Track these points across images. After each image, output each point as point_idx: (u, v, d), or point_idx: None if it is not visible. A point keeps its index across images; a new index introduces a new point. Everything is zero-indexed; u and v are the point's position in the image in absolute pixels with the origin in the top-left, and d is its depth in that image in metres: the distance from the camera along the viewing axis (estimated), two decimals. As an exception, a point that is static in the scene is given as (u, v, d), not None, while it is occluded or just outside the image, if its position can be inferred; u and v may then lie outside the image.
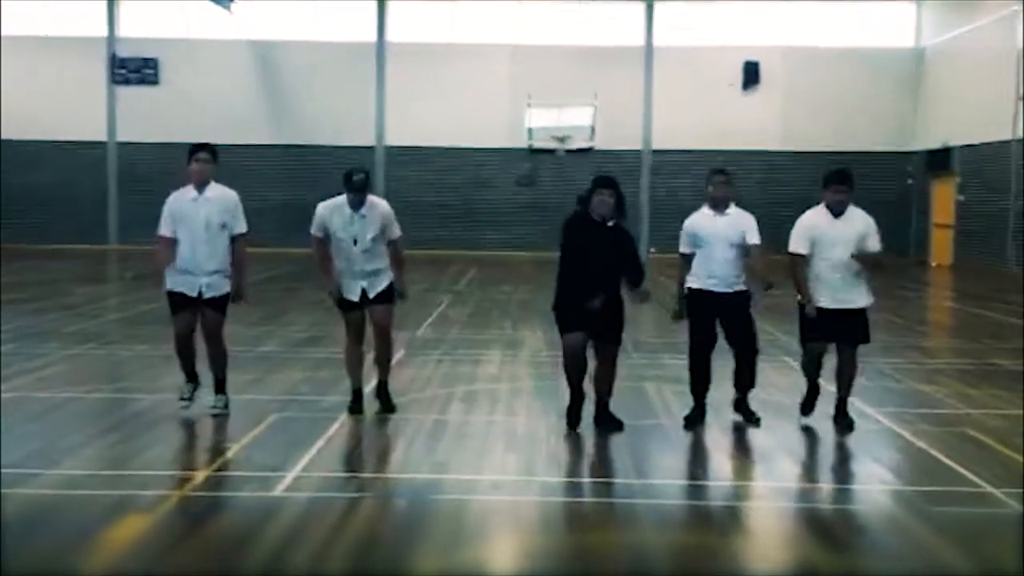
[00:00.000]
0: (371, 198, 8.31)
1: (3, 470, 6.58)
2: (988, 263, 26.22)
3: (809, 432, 8.17)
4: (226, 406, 8.35)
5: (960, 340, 14.24)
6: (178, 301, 8.26)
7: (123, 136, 31.83)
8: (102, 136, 31.91)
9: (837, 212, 7.99)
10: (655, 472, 7.10)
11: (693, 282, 8.31)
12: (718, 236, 8.17)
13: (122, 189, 31.85)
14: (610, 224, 7.98)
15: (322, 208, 8.32)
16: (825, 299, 7.98)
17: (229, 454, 7.26)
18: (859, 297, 8.03)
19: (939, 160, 28.92)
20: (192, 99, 31.06)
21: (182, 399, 8.34)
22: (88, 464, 7.00)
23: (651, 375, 10.47)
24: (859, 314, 8.04)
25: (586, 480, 7.09)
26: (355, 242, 8.21)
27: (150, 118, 31.17)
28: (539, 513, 6.17)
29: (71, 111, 31.36)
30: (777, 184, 29.52)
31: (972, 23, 27.99)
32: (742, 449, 7.73)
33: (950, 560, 5.42)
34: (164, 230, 8.31)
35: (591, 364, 8.04)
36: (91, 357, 11.54)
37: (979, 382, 10.39)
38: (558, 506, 6.32)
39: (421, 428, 8.06)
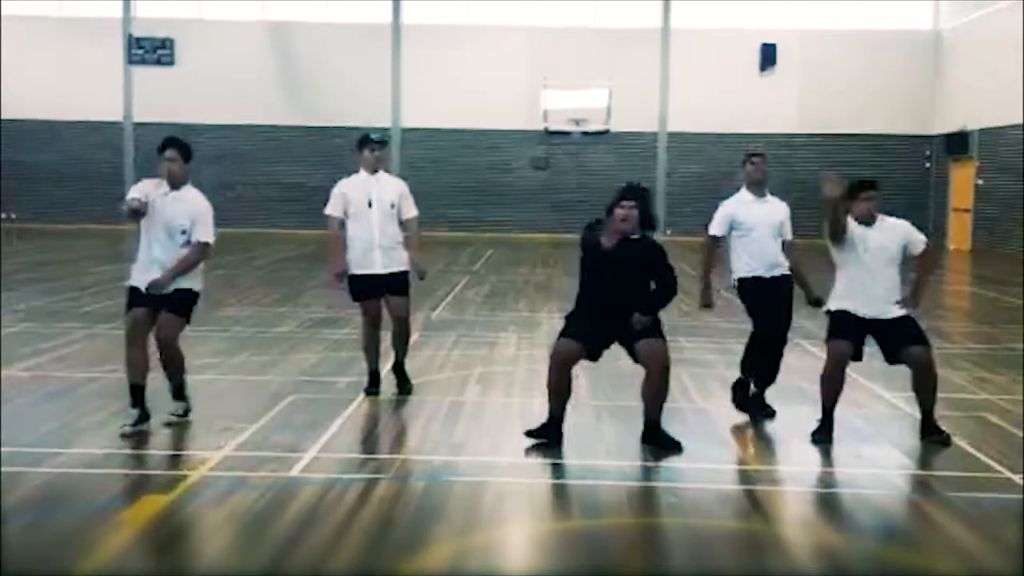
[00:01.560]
0: (386, 174, 8.51)
1: (21, 449, 6.61)
2: (1007, 247, 26.06)
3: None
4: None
5: (978, 325, 14.16)
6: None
7: (139, 117, 31.88)
8: (118, 116, 31.98)
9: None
10: (672, 456, 7.07)
11: (743, 271, 7.95)
12: (762, 223, 7.93)
13: (138, 169, 31.90)
14: (635, 237, 7.00)
15: (340, 184, 8.42)
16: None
17: (246, 435, 7.27)
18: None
19: (958, 144, 28.73)
20: (207, 80, 31.08)
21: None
22: (106, 444, 7.02)
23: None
24: None
25: (602, 463, 7.08)
26: (370, 204, 8.21)
27: (166, 99, 31.21)
28: (555, 496, 6.17)
29: (87, 91, 31.43)
30: (793, 167, 29.39)
31: (990, 6, 27.74)
32: (760, 433, 7.70)
33: (968, 545, 5.39)
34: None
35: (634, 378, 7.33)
36: (108, 337, 11.58)
37: (997, 367, 10.33)
38: (575, 489, 6.31)
39: (438, 410, 8.06)
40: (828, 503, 6.17)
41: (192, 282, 7.34)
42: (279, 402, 8.18)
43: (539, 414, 7.81)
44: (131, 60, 31.77)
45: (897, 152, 30.71)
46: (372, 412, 8.05)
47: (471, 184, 31.63)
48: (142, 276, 7.24)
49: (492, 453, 6.99)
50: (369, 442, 7.34)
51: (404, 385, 8.55)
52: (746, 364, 8.05)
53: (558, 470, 6.72)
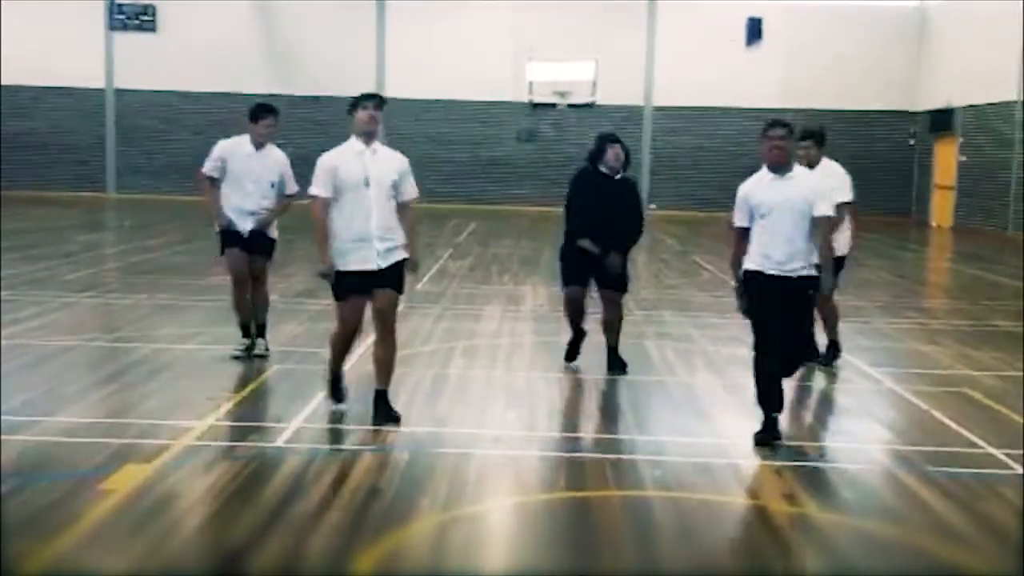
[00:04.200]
0: (383, 146, 7.08)
1: (2, 417, 6.57)
2: (989, 225, 26.16)
3: (809, 391, 8.17)
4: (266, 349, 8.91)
5: (960, 301, 14.22)
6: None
7: (120, 83, 31.56)
8: (100, 83, 31.63)
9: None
10: (656, 428, 7.09)
11: (747, 262, 6.77)
12: (780, 206, 6.62)
13: (120, 137, 31.66)
14: (618, 177, 8.47)
15: (326, 157, 6.88)
16: None
17: (230, 405, 7.24)
18: None
19: (942, 120, 28.76)
20: (190, 47, 30.77)
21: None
22: (86, 413, 6.98)
23: (651, 332, 10.45)
24: None
25: (587, 436, 7.09)
26: (367, 183, 6.76)
27: (148, 65, 30.90)
28: (540, 468, 6.17)
29: (69, 57, 31.05)
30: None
31: (978, -18, 27.70)
32: (743, 407, 7.71)
33: (948, 519, 5.42)
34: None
35: (598, 312, 8.67)
36: (89, 305, 11.52)
37: (979, 343, 10.38)
38: (559, 461, 6.32)
39: (422, 382, 8.04)
40: (810, 477, 6.19)
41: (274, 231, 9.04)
42: (263, 373, 8.15)
43: (524, 388, 7.82)
44: (112, 26, 31.41)
45: (881, 128, 30.71)
46: (357, 384, 8.02)
47: (455, 156, 31.48)
48: (242, 223, 8.77)
49: (477, 426, 6.98)
50: (354, 414, 7.31)
51: (389, 414, 6.94)
52: (760, 391, 6.77)
53: (542, 443, 6.72)
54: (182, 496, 5.55)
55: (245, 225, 8.81)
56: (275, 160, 8.91)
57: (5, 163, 30.25)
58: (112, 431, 6.57)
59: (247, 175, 8.77)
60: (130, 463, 5.87)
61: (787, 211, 6.59)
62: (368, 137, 6.87)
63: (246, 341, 8.77)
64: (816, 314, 7.77)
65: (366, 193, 6.75)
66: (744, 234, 6.75)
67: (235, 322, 8.87)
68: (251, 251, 8.88)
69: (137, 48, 31.22)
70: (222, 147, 8.90)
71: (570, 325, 8.71)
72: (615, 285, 8.54)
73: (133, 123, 31.06)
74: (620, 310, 8.63)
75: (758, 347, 6.69)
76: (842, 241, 8.50)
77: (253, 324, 8.86)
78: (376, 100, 6.97)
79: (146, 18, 31.38)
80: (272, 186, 8.84)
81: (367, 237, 6.76)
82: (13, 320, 10.01)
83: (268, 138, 8.90)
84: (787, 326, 6.64)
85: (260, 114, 8.85)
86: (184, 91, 30.63)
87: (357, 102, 6.90)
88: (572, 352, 8.75)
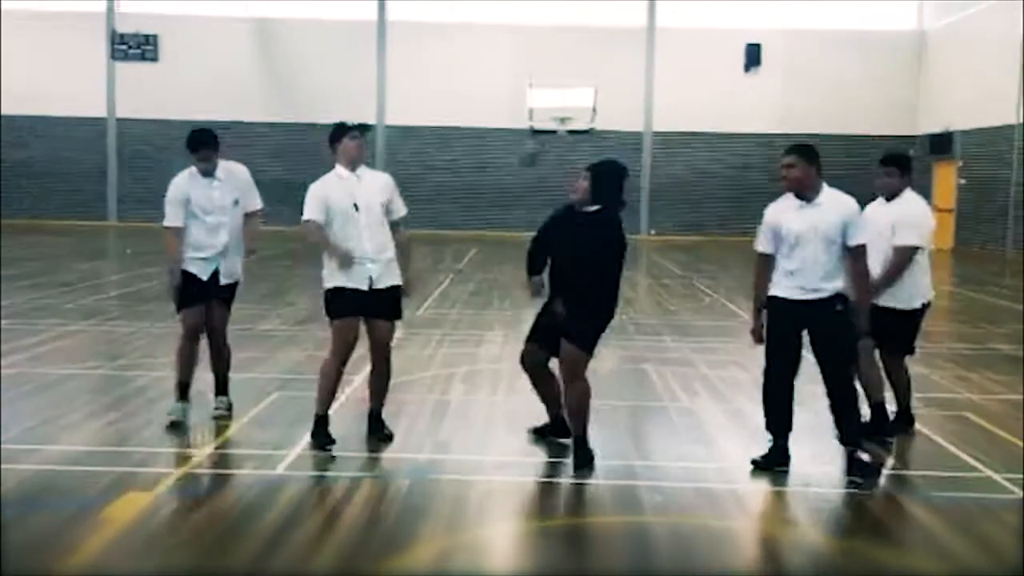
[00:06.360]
0: (368, 170, 7.13)
1: (2, 446, 6.57)
2: (988, 247, 26.20)
3: (810, 415, 8.16)
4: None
5: (959, 324, 14.22)
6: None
7: (122, 112, 31.73)
8: (102, 112, 31.82)
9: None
10: (657, 454, 7.09)
11: (773, 289, 6.60)
12: (807, 233, 6.43)
13: (121, 165, 31.78)
14: (590, 211, 6.69)
15: (316, 186, 6.96)
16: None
17: (230, 432, 7.24)
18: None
19: (941, 144, 28.87)
20: (191, 76, 30.96)
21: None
22: (88, 441, 6.99)
23: (652, 357, 10.46)
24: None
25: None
26: (356, 208, 6.83)
27: (150, 94, 31.08)
28: (541, 494, 6.17)
29: (71, 86, 31.27)
30: (778, 166, 29.44)
31: (975, 6, 27.88)
32: (744, 431, 7.71)
33: (950, 544, 5.41)
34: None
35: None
36: (91, 333, 11.53)
37: (978, 366, 10.39)
38: (560, 487, 6.31)
39: (423, 408, 8.05)
40: (811, 501, 6.18)
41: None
42: (263, 399, 8.16)
43: (525, 414, 7.80)
44: (115, 56, 31.62)
45: (881, 152, 30.78)
46: (357, 410, 8.02)
47: (456, 182, 31.60)
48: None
49: (478, 452, 6.98)
50: (354, 440, 7.31)
51: (383, 432, 7.10)
52: (768, 410, 6.73)
53: (543, 469, 6.72)
54: (182, 524, 5.55)
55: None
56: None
57: (5, 191, 30.35)
58: (113, 459, 6.57)
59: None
60: (131, 491, 5.87)
61: (812, 239, 6.40)
62: (354, 165, 6.98)
63: (184, 405, 7.50)
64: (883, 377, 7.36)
65: (357, 217, 6.86)
66: (767, 261, 6.61)
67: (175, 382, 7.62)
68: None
69: (139, 77, 31.42)
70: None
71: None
72: (568, 328, 6.68)
73: (134, 151, 31.19)
74: (574, 373, 6.69)
75: (768, 372, 6.64)
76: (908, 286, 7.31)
77: (214, 381, 7.76)
78: (360, 129, 7.07)
79: (148, 48, 31.61)
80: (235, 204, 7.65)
81: (361, 259, 6.83)
82: (13, 349, 10.02)
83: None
84: (824, 350, 6.49)
85: (343, 129, 7.16)
86: (185, 119, 30.70)
87: (340, 132, 7.00)
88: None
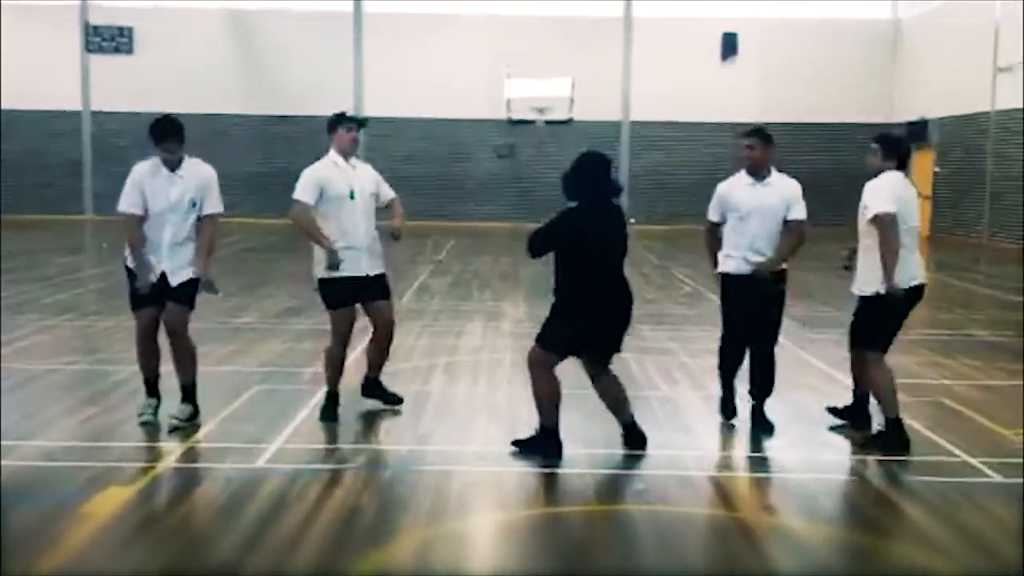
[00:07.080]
0: (359, 161, 7.51)
1: (-17, 442, 6.55)
2: (964, 234, 26.40)
3: (789, 403, 8.22)
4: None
5: (935, 311, 14.31)
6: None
7: (97, 105, 31.51)
8: (76, 105, 31.57)
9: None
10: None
11: (723, 264, 7.37)
12: (757, 209, 7.18)
13: (96, 159, 31.56)
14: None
15: (311, 170, 7.21)
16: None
17: (211, 426, 7.24)
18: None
19: (917, 132, 29.01)
20: (167, 68, 30.76)
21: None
22: (67, 436, 6.97)
23: (632, 345, 10.46)
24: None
25: (570, 451, 7.10)
26: (352, 195, 7.19)
27: (125, 87, 30.86)
28: (522, 484, 6.20)
29: (45, 80, 30.98)
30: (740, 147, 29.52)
31: (950, -6, 28.03)
32: (725, 421, 7.76)
33: (925, 527, 5.48)
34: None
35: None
36: (69, 328, 11.48)
37: (954, 352, 10.48)
38: (541, 477, 6.35)
39: (404, 399, 8.05)
40: (789, 488, 6.24)
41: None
42: (243, 393, 8.15)
43: (506, 404, 7.84)
44: (89, 48, 31.38)
45: (858, 140, 30.91)
46: (338, 402, 8.03)
47: (434, 173, 31.54)
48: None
49: (458, 442, 7.01)
50: (335, 432, 7.32)
51: (389, 395, 7.78)
52: (723, 370, 7.54)
53: (525, 459, 6.74)
54: (164, 518, 5.55)
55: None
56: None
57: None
58: (94, 454, 6.55)
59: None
60: (112, 486, 5.86)
61: (760, 215, 7.18)
62: (347, 155, 7.35)
63: (151, 401, 7.32)
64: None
65: (353, 204, 7.23)
66: (714, 228, 7.45)
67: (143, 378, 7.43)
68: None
69: (114, 70, 31.20)
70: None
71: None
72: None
73: (110, 144, 30.97)
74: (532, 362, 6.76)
75: (725, 336, 7.48)
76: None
77: (180, 385, 7.36)
78: (359, 122, 7.46)
79: (122, 40, 31.37)
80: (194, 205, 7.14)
81: (358, 245, 7.23)
82: (-8, 344, 9.97)
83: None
84: (753, 317, 7.27)
85: (342, 120, 7.46)
86: (161, 112, 30.48)
87: (339, 121, 7.31)
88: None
